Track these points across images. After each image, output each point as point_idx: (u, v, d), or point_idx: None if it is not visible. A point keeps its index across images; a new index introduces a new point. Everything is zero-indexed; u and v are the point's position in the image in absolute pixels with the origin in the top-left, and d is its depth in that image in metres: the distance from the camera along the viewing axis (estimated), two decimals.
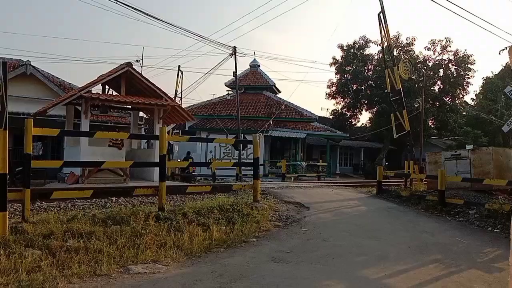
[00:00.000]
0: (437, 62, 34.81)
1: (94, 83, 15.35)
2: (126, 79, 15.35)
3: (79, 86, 16.98)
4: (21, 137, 5.84)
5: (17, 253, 4.58)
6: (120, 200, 7.88)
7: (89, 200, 7.57)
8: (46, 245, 4.93)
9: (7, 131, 5.06)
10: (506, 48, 16.35)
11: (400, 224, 8.34)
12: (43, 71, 22.62)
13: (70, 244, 5.05)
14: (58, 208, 6.86)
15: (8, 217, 5.22)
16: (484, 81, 39.18)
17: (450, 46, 34.66)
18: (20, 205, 5.83)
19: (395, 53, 26.44)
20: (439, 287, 4.68)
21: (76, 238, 5.23)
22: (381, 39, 16.83)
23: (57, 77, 23.87)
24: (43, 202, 7.08)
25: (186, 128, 30.34)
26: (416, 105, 29.43)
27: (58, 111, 17.13)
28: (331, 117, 38.98)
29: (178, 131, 30.27)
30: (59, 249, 4.88)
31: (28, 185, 5.65)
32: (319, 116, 34.16)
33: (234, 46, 25.25)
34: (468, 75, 34.71)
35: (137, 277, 4.52)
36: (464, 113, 35.91)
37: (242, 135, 25.26)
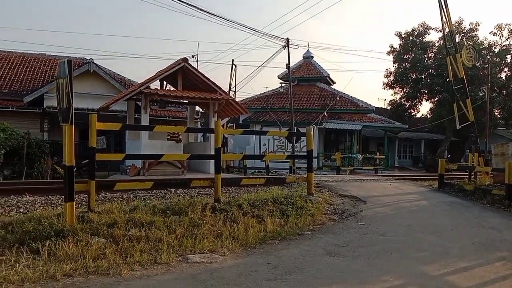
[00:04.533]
0: (504, 47, 32.58)
1: (152, 79, 15.92)
2: (183, 74, 15.78)
3: (139, 82, 17.68)
4: (86, 132, 6.16)
5: (84, 241, 4.86)
6: (178, 192, 8.14)
7: (150, 191, 7.89)
8: (110, 234, 5.19)
9: (73, 126, 5.36)
10: None
11: (464, 219, 7.93)
12: (105, 68, 23.80)
13: (132, 233, 5.28)
14: (121, 199, 7.21)
15: (76, 207, 5.55)
16: None
17: None
18: (86, 195, 6.17)
19: (457, 40, 25.07)
20: (506, 287, 4.41)
21: (138, 228, 5.46)
22: (442, 25, 15.96)
23: (118, 74, 25.01)
24: (107, 193, 7.47)
25: (240, 121, 30.70)
26: (481, 94, 27.78)
27: (119, 106, 17.97)
28: (388, 107, 37.76)
29: (232, 124, 30.71)
30: (122, 238, 5.13)
31: (93, 177, 5.96)
32: (376, 107, 33.19)
33: (287, 38, 25.13)
34: None
35: (195, 266, 4.65)
36: None
37: (296, 127, 25.14)
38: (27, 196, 7.05)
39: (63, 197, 5.66)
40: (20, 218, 5.42)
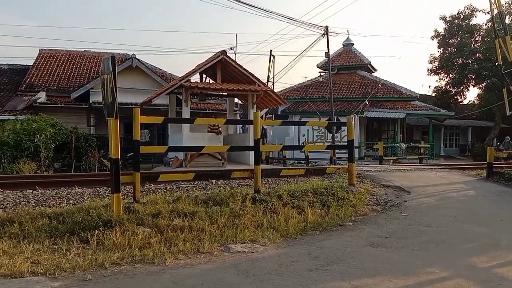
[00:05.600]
0: None
1: (192, 72, 16.15)
2: (222, 67, 15.90)
3: (179, 76, 17.98)
4: (130, 125, 6.35)
5: (130, 231, 5.04)
6: (219, 183, 8.24)
7: (192, 182, 8.03)
8: (155, 224, 5.35)
9: (118, 120, 5.53)
10: None
11: None
12: (147, 63, 24.37)
13: (176, 223, 5.42)
14: (165, 190, 7.39)
15: (122, 198, 5.75)
16: None
17: None
18: (132, 187, 6.37)
19: (507, 21, 23.75)
20: None
21: (181, 218, 5.60)
22: (490, 6, 15.21)
23: (159, 69, 25.56)
24: (151, 185, 7.67)
25: (279, 112, 30.61)
26: None
27: (161, 100, 18.38)
28: (433, 94, 36.47)
29: (271, 115, 30.69)
30: (166, 228, 5.28)
31: (138, 169, 6.13)
32: (420, 94, 32.05)
33: (326, 26, 24.70)
34: None
35: (236, 255, 4.72)
36: None
37: (336, 117, 24.78)
38: (76, 188, 7.37)
39: (110, 188, 5.87)
40: (70, 209, 5.68)
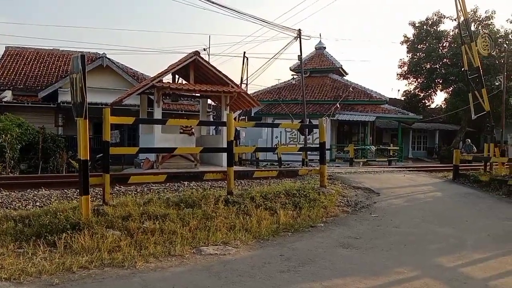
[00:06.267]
0: None
1: (164, 72, 15.97)
2: (194, 67, 15.79)
3: (151, 76, 17.75)
4: (100, 126, 6.22)
5: (99, 234, 4.93)
6: (191, 184, 8.19)
7: (163, 184, 7.95)
8: (125, 227, 5.25)
9: (87, 120, 5.42)
10: None
11: (479, 210, 7.83)
12: (118, 63, 23.93)
13: (146, 226, 5.34)
14: (135, 192, 7.28)
15: (91, 200, 5.62)
16: None
17: None
18: (101, 189, 6.23)
19: (472, 28, 24.60)
20: None
21: (152, 220, 5.52)
22: (457, 13, 15.67)
23: (131, 68, 25.15)
24: (122, 186, 7.54)
25: (252, 114, 30.64)
26: (497, 83, 27.25)
27: (132, 100, 18.08)
28: (402, 98, 37.32)
29: (244, 117, 30.68)
30: (136, 230, 5.18)
31: (107, 170, 6.01)
32: (390, 98, 32.77)
33: (299, 29, 24.97)
34: None
35: (208, 258, 4.69)
36: None
37: (308, 119, 25.02)
38: (43, 190, 7.17)
39: (78, 190, 5.73)
40: (36, 212, 5.51)
